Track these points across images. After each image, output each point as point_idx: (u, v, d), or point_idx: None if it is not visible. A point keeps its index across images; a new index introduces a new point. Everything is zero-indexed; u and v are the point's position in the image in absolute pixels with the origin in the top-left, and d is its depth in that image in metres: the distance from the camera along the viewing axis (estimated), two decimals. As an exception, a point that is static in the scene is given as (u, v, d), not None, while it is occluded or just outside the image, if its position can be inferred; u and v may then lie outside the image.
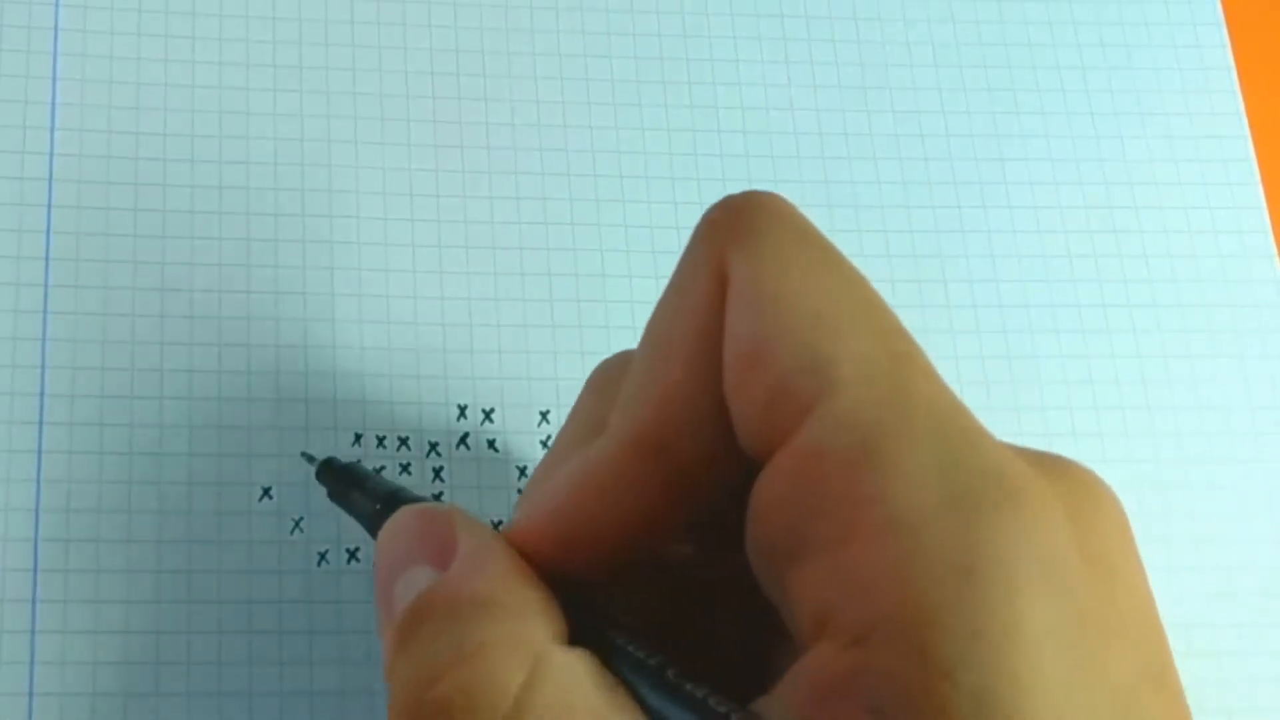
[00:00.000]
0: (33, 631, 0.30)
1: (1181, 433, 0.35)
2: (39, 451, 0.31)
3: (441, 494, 0.32)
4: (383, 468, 0.32)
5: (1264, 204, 0.37)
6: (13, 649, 0.30)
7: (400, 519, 0.22)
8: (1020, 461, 0.18)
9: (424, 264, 0.34)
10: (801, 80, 0.37)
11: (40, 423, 0.32)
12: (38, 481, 0.31)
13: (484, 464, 0.33)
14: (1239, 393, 0.36)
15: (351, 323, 0.33)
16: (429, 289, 0.34)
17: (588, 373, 0.34)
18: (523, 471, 0.33)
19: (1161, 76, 0.38)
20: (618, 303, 0.34)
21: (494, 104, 0.36)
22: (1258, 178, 0.38)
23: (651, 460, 0.20)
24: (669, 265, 0.35)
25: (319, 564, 0.31)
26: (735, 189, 0.36)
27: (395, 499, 0.25)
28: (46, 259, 0.33)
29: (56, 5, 0.35)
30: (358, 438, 0.32)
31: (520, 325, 0.34)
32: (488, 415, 0.33)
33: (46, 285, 0.33)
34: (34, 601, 0.30)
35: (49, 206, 0.33)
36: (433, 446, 0.33)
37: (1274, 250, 0.37)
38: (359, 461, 0.32)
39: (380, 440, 0.32)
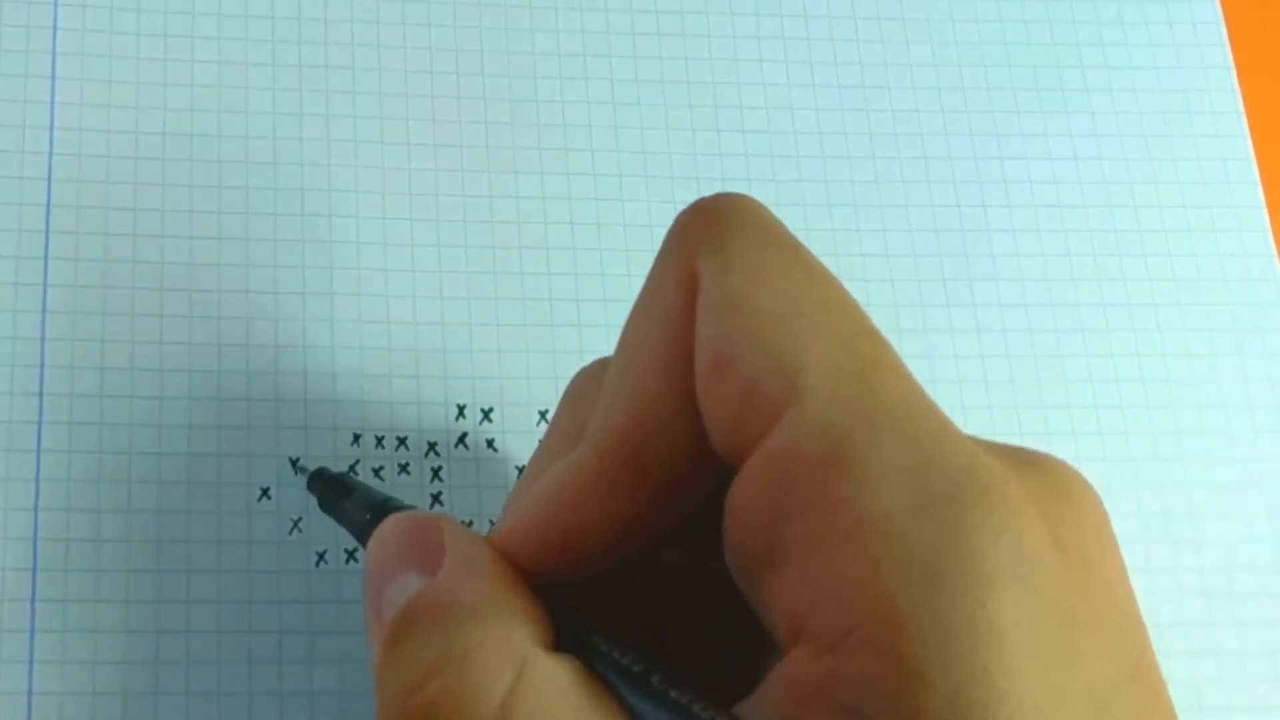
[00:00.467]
0: (32, 630, 0.30)
1: (1181, 431, 0.35)
2: (38, 451, 0.31)
3: (440, 494, 0.32)
4: (382, 468, 0.32)
5: (1263, 203, 0.37)
6: (12, 648, 0.30)
7: (389, 527, 0.22)
8: (991, 459, 0.18)
9: (423, 263, 0.34)
10: (800, 80, 0.37)
11: (39, 422, 0.32)
12: (37, 481, 0.31)
13: (483, 464, 0.33)
14: (1238, 392, 0.36)
15: (350, 322, 0.33)
16: (428, 288, 0.34)
17: (587, 372, 0.34)
18: (521, 471, 0.33)
19: (1161, 76, 0.38)
20: (617, 302, 0.34)
21: (493, 103, 0.36)
22: (1257, 177, 0.38)
23: (628, 465, 0.20)
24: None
25: (318, 564, 0.31)
26: (734, 188, 0.36)
27: (385, 508, 0.26)
28: (45, 258, 0.33)
29: (55, 4, 0.35)
30: (356, 438, 0.32)
31: (519, 325, 0.34)
32: (486, 415, 0.33)
33: (45, 285, 0.33)
34: (33, 600, 0.30)
35: (48, 206, 0.33)
36: (431, 446, 0.33)
37: (1273, 249, 0.37)
38: (351, 470, 0.32)
39: (379, 440, 0.32)
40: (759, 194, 0.21)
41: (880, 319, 0.20)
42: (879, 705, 0.16)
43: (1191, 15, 0.39)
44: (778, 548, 0.18)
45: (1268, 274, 0.37)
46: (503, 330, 0.34)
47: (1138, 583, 0.19)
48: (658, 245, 0.35)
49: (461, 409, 0.33)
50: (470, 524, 0.32)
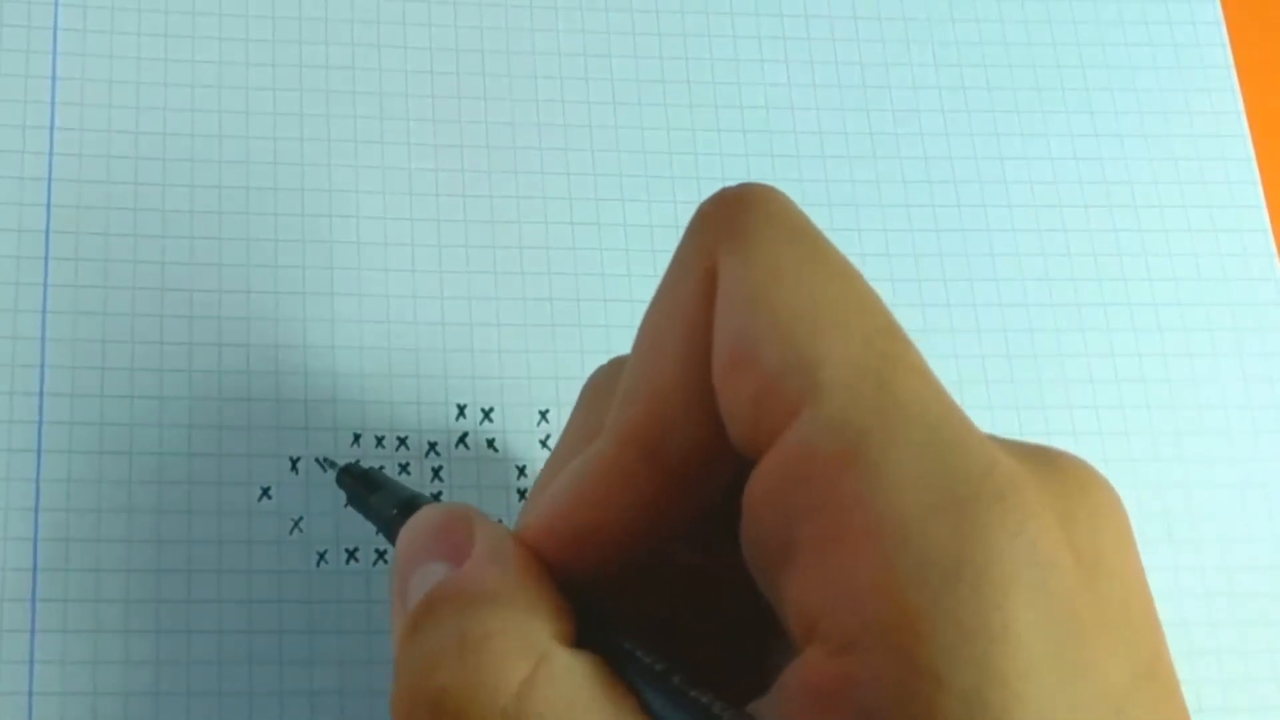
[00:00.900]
0: (32, 630, 0.30)
1: (1181, 431, 0.35)
2: (38, 451, 0.31)
3: (440, 494, 0.32)
4: (382, 467, 0.32)
5: (1263, 202, 0.37)
6: (13, 648, 0.30)
7: (420, 517, 0.22)
8: (1010, 459, 0.18)
9: (423, 263, 0.34)
10: (801, 79, 0.37)
11: (40, 422, 0.32)
12: (37, 481, 0.31)
13: (483, 463, 0.33)
14: (1238, 391, 0.36)
15: (351, 322, 0.33)
16: (428, 288, 0.34)
17: (587, 372, 0.34)
18: (521, 471, 0.33)
19: (1161, 75, 0.38)
20: (617, 301, 0.34)
21: (493, 103, 0.36)
22: (1257, 176, 0.38)
23: (646, 458, 0.20)
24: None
25: (318, 564, 0.31)
26: (735, 188, 0.36)
27: (413, 504, 0.26)
28: (46, 258, 0.33)
29: (56, 4, 0.35)
30: (357, 437, 0.32)
31: (520, 324, 0.34)
32: (487, 414, 0.33)
33: (46, 284, 0.33)
34: (33, 600, 0.30)
35: (48, 206, 0.33)
36: (432, 446, 0.33)
37: (1273, 249, 0.37)
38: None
39: (379, 440, 0.33)
40: (759, 194, 0.21)
41: (881, 319, 0.20)
42: (893, 707, 0.16)
43: (1191, 15, 0.39)
44: (792, 546, 0.18)
45: (1268, 274, 0.37)
46: (503, 330, 0.34)
47: (1138, 582, 0.19)
48: (658, 245, 0.35)
49: (462, 409, 0.33)
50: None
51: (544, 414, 0.33)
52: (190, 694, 0.30)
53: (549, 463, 0.25)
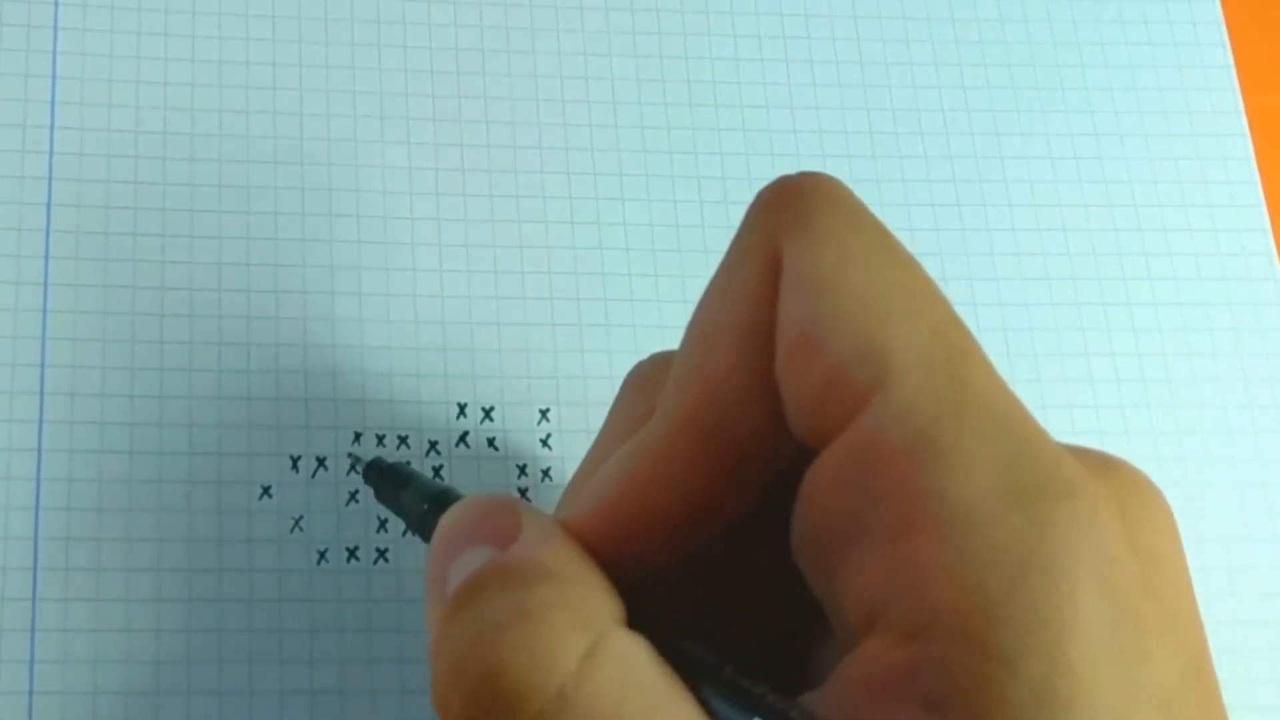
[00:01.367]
0: (33, 630, 0.30)
1: (1181, 431, 0.35)
2: (39, 450, 0.31)
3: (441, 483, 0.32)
4: (380, 457, 0.32)
5: (1263, 202, 0.37)
6: (13, 647, 0.30)
7: (464, 505, 0.21)
8: (1073, 459, 0.18)
9: (423, 262, 0.34)
10: (801, 79, 0.37)
11: (40, 421, 0.32)
12: (38, 480, 0.31)
13: (484, 462, 0.33)
14: (1238, 391, 0.36)
15: (351, 321, 0.33)
16: (428, 287, 0.34)
17: (588, 371, 0.34)
18: (522, 470, 0.33)
19: (1161, 75, 0.38)
20: (617, 300, 0.34)
21: (493, 102, 0.36)
22: (1257, 176, 0.38)
23: (701, 443, 0.20)
24: (668, 263, 0.35)
25: (319, 562, 0.31)
26: (735, 187, 0.36)
27: (443, 498, 0.25)
28: (46, 257, 0.33)
29: (56, 4, 0.35)
30: (357, 436, 0.32)
31: (520, 323, 0.34)
32: (487, 413, 0.33)
33: (46, 284, 0.33)
34: (34, 600, 0.30)
35: (48, 205, 0.33)
36: (432, 445, 0.33)
37: (1273, 248, 0.37)
38: (352, 468, 0.32)
39: (380, 439, 0.33)
40: (760, 193, 0.21)
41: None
42: (962, 693, 0.16)
43: (1191, 14, 0.39)
44: (856, 534, 0.18)
45: (1268, 273, 0.37)
46: (503, 329, 0.34)
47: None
48: (658, 244, 0.35)
49: (462, 408, 0.33)
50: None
51: (544, 413, 0.33)
52: (191, 693, 0.30)
53: (588, 456, 0.25)
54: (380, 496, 0.29)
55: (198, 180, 0.34)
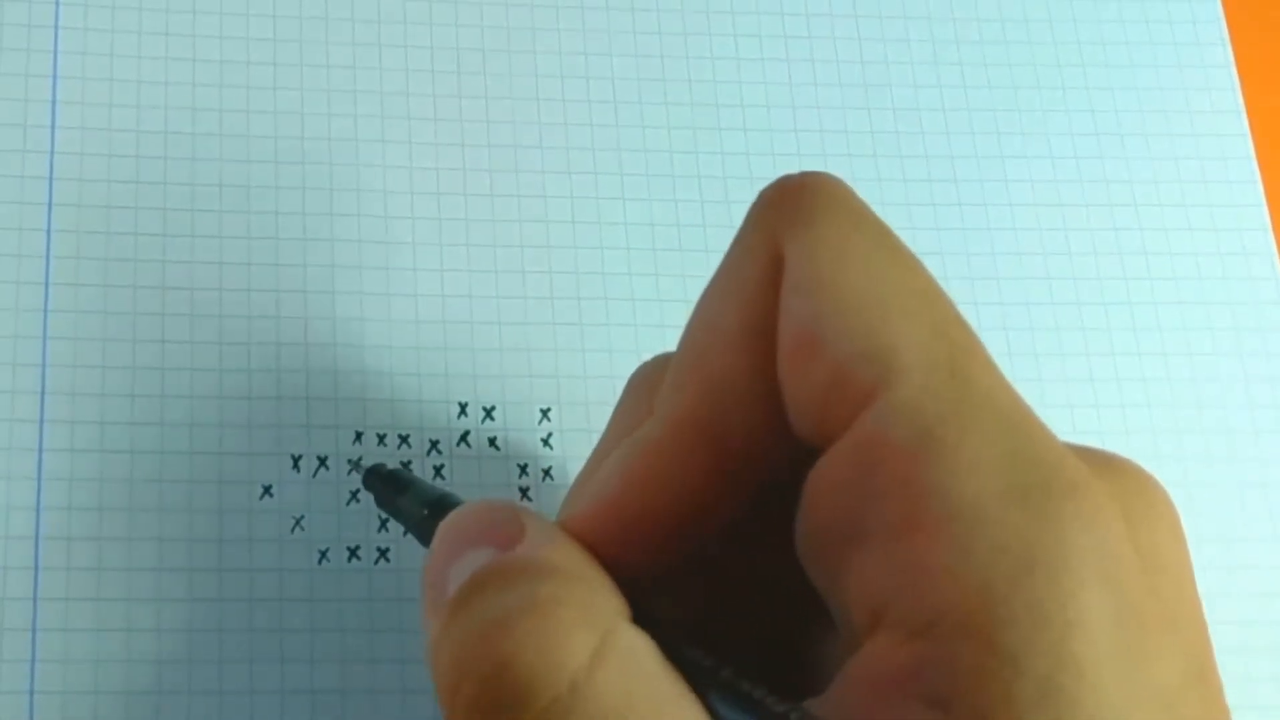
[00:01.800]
0: (34, 629, 0.30)
1: (1181, 430, 0.35)
2: (40, 450, 0.31)
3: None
4: (381, 462, 0.32)
5: (1264, 201, 0.37)
6: (14, 647, 0.30)
7: (464, 509, 0.21)
8: (1076, 458, 0.18)
9: (424, 261, 0.34)
10: (802, 78, 0.37)
11: (41, 420, 0.32)
12: (39, 479, 0.31)
13: (485, 462, 0.33)
14: (1239, 391, 0.36)
15: (352, 320, 0.33)
16: (429, 286, 0.34)
17: (589, 370, 0.34)
18: (523, 469, 0.33)
19: (1161, 74, 0.38)
20: (618, 300, 0.34)
21: (495, 101, 0.36)
22: (1257, 175, 0.38)
23: (700, 442, 0.20)
24: (669, 263, 0.35)
25: (320, 562, 0.31)
26: (736, 186, 0.36)
27: (443, 503, 0.25)
28: (47, 257, 0.33)
29: (57, 3, 0.35)
30: (358, 435, 0.32)
31: (521, 323, 0.34)
32: (488, 413, 0.33)
33: (47, 283, 0.33)
34: (35, 600, 0.30)
35: (49, 205, 0.33)
36: (433, 444, 0.33)
37: (1274, 248, 0.37)
38: (353, 468, 0.32)
39: (381, 438, 0.33)
40: (762, 193, 0.21)
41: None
42: (968, 690, 0.16)
43: (1192, 14, 0.39)
44: (860, 532, 0.18)
45: (1268, 273, 0.37)
46: (504, 328, 0.34)
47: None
48: (659, 243, 0.35)
49: (463, 407, 0.33)
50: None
51: (545, 412, 0.33)
52: (191, 693, 0.30)
53: (591, 458, 0.25)
54: (380, 502, 0.29)
55: (199, 180, 0.34)
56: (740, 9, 0.38)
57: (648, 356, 0.26)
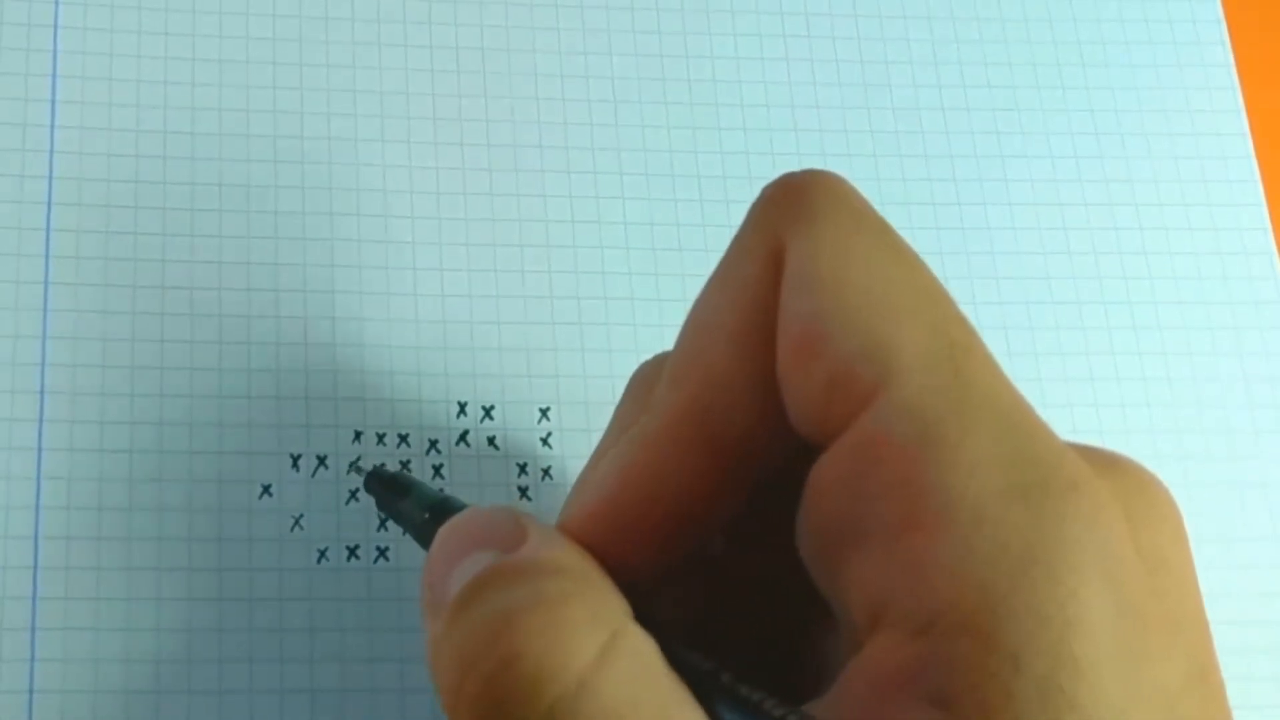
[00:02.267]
0: (33, 629, 0.30)
1: (1181, 430, 0.35)
2: (39, 449, 0.31)
3: (441, 491, 0.32)
4: (383, 465, 0.32)
5: (1263, 201, 0.37)
6: (13, 646, 0.30)
7: (466, 514, 0.21)
8: (1077, 456, 0.18)
9: (424, 261, 0.34)
10: (801, 77, 0.37)
11: (40, 420, 0.32)
12: (38, 479, 0.31)
13: (484, 461, 0.33)
14: (1239, 390, 0.36)
15: (352, 320, 0.33)
16: (429, 286, 0.34)
17: (588, 369, 0.34)
18: (523, 468, 0.33)
19: (1161, 73, 0.38)
20: (618, 299, 0.34)
21: (494, 101, 0.36)
22: (1257, 174, 0.38)
23: (696, 437, 0.20)
24: (669, 262, 0.35)
25: (319, 561, 0.31)
26: (736, 186, 0.36)
27: (444, 507, 0.25)
28: (46, 256, 0.33)
29: (56, 3, 0.35)
30: (358, 435, 0.32)
31: (520, 322, 0.34)
32: (487, 412, 0.33)
33: (46, 283, 0.33)
34: (34, 599, 0.30)
35: (49, 204, 0.33)
36: (433, 444, 0.33)
37: (1274, 247, 0.37)
38: (353, 467, 0.32)
39: (380, 437, 0.33)
40: (761, 191, 0.21)
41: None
42: (968, 689, 0.16)
43: (1192, 13, 0.39)
44: (861, 530, 0.18)
45: (1268, 272, 0.37)
46: (504, 328, 0.34)
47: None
48: (658, 243, 0.35)
49: (463, 406, 0.33)
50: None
51: (544, 411, 0.33)
52: (191, 692, 0.30)
53: (591, 458, 0.25)
54: (381, 505, 0.29)
55: (198, 179, 0.34)
56: (740, 9, 0.38)
57: (648, 356, 0.26)
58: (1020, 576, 0.16)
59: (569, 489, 0.26)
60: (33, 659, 0.30)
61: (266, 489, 0.32)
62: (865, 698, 0.17)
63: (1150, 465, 0.35)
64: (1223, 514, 0.35)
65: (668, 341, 0.23)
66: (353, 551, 0.32)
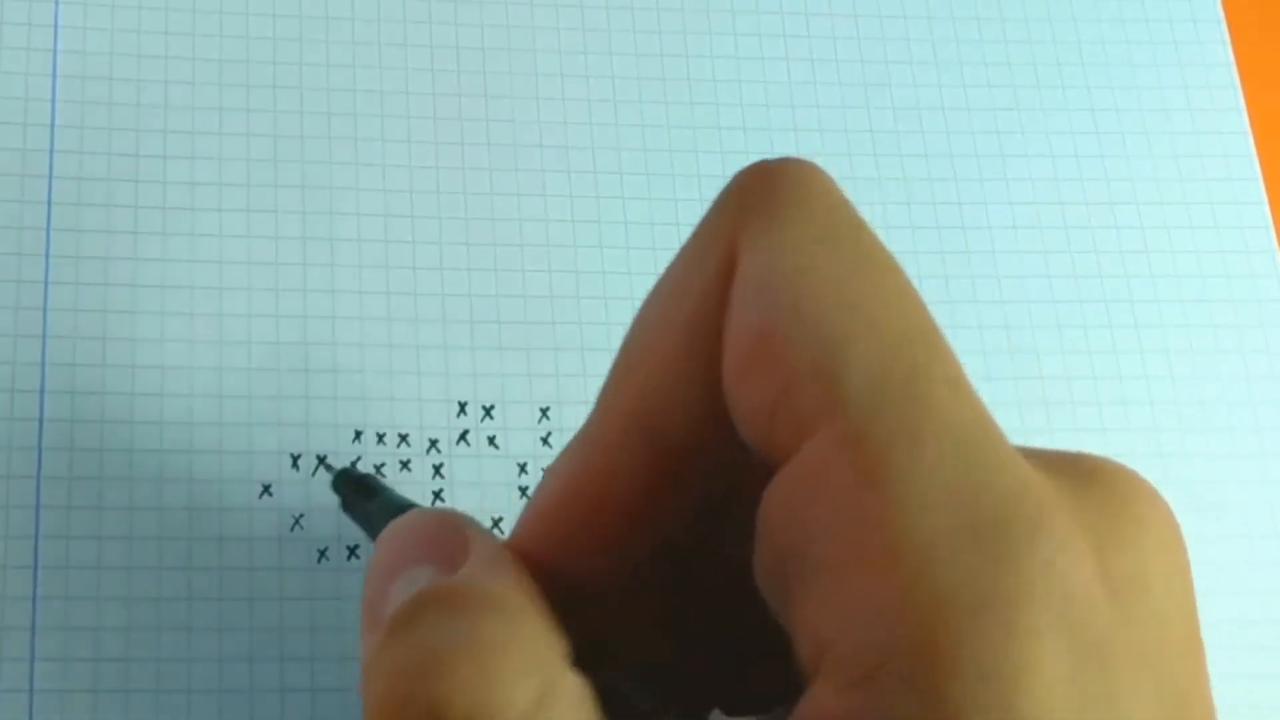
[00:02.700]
0: (33, 629, 0.30)
1: (1183, 428, 0.35)
2: (39, 449, 0.31)
3: (442, 490, 0.32)
4: (383, 465, 0.32)
5: (1265, 199, 0.37)
6: (13, 646, 0.30)
7: (406, 519, 0.20)
8: (1044, 479, 0.16)
9: (424, 260, 0.34)
10: (802, 77, 0.37)
11: (41, 419, 0.32)
12: (38, 479, 0.31)
13: (484, 461, 0.33)
14: (1241, 388, 0.36)
15: (352, 319, 0.33)
16: (429, 285, 0.34)
17: (588, 369, 0.34)
18: (523, 468, 0.33)
19: (1162, 73, 0.38)
20: (617, 299, 0.34)
21: (494, 100, 0.36)
22: (1259, 173, 0.38)
23: (638, 441, 0.19)
24: (668, 262, 0.35)
25: (319, 561, 0.31)
26: (735, 185, 0.36)
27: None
28: (47, 256, 0.33)
29: (56, 3, 0.35)
30: (358, 434, 0.32)
31: (520, 321, 0.34)
32: (488, 412, 0.33)
33: (47, 282, 0.33)
34: (34, 599, 0.30)
35: (49, 204, 0.33)
36: (433, 443, 0.33)
37: (1275, 246, 0.37)
38: (353, 466, 0.32)
39: (380, 437, 0.32)
40: (760, 187, 0.21)
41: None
42: None
43: (1192, 13, 0.39)
44: (806, 568, 0.16)
45: (1270, 270, 0.37)
46: (504, 327, 0.34)
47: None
48: (658, 243, 0.35)
49: (463, 406, 0.33)
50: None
51: (545, 411, 0.33)
52: (191, 691, 0.30)
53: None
54: (345, 507, 0.29)
55: (198, 178, 0.34)
56: (740, 9, 0.38)
57: None
58: (968, 626, 0.15)
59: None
60: (33, 658, 0.30)
61: (266, 489, 0.32)
62: None
63: (1152, 463, 0.35)
64: (1224, 512, 0.35)
65: (667, 339, 0.23)
66: (353, 551, 0.32)
